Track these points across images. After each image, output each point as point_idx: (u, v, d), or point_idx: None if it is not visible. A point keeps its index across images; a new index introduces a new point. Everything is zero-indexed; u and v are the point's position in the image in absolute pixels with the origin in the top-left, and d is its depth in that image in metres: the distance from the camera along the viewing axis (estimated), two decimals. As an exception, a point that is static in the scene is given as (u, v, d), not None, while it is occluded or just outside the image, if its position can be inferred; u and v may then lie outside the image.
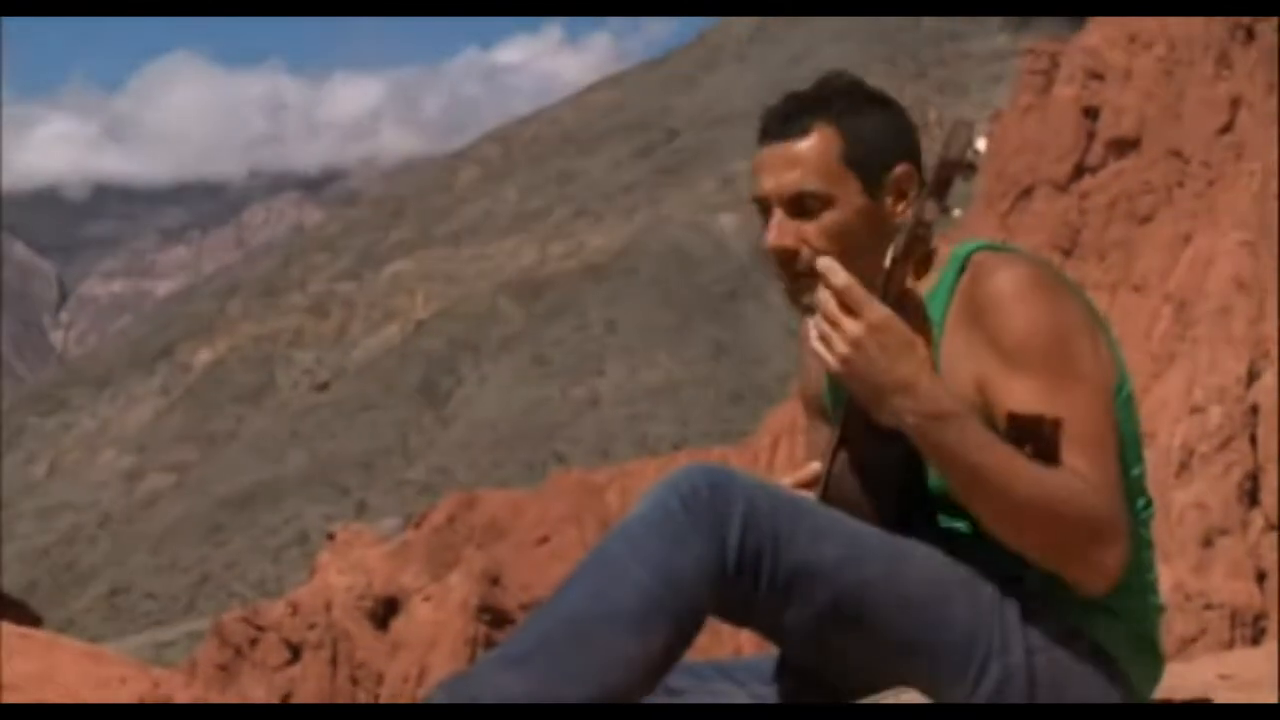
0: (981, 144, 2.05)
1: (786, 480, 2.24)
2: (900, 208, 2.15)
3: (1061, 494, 1.99)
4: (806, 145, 2.14)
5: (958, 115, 2.17)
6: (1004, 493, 2.00)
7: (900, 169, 2.15)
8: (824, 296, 2.02)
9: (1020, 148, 34.60)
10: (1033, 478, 2.00)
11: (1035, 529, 2.01)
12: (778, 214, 2.15)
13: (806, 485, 2.22)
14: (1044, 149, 34.44)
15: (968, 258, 2.15)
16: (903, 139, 2.16)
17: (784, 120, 2.16)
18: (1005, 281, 2.07)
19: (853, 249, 2.13)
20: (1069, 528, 2.00)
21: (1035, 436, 2.04)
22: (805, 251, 2.14)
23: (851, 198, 2.14)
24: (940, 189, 2.03)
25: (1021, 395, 2.04)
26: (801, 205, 2.14)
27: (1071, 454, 2.02)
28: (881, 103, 2.18)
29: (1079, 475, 2.01)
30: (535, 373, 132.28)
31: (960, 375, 2.10)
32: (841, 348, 2.00)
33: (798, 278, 2.15)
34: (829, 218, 2.14)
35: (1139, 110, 33.37)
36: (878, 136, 2.15)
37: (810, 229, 2.14)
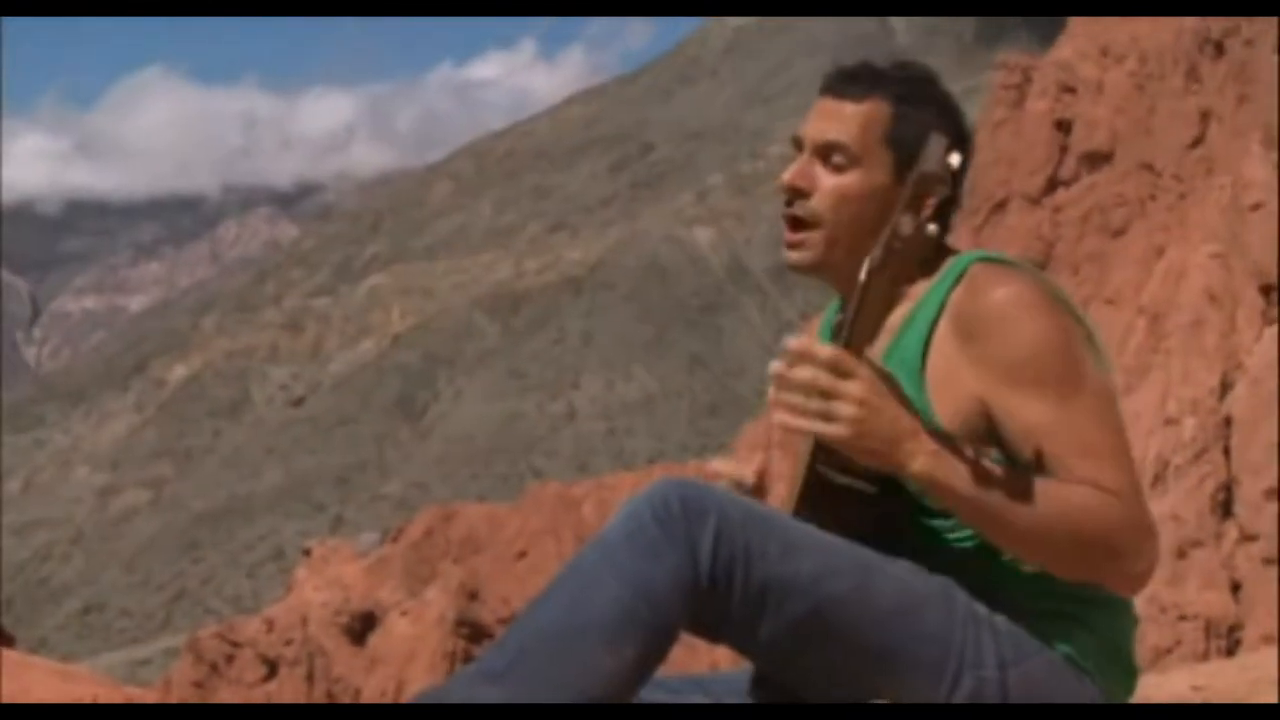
0: (955, 158, 2.04)
1: (712, 466, 2.27)
2: (911, 212, 2.15)
3: (1082, 511, 2.00)
4: (858, 108, 2.17)
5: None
6: (1022, 518, 2.00)
7: (928, 173, 2.15)
8: (811, 374, 1.97)
9: (993, 161, 34.75)
10: (1050, 497, 2.00)
11: (1063, 546, 2.01)
12: (804, 157, 2.19)
13: (737, 485, 2.25)
14: (1017, 162, 34.61)
15: (964, 269, 2.16)
16: (930, 136, 2.18)
17: (848, 80, 2.20)
18: (1003, 297, 2.07)
19: (855, 219, 2.16)
20: (1096, 542, 2.00)
21: (1052, 451, 2.04)
22: (814, 200, 2.17)
23: (878, 172, 2.17)
24: (916, 203, 2.02)
25: (1035, 413, 2.04)
26: (829, 156, 2.17)
27: (1089, 466, 2.03)
28: (942, 106, 2.21)
29: (1099, 488, 2.01)
30: (512, 386, 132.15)
31: (958, 389, 2.11)
32: (850, 410, 1.97)
33: (794, 221, 2.19)
34: (849, 179, 2.17)
35: (1111, 124, 33.58)
36: (921, 132, 2.15)
37: (828, 181, 2.17)
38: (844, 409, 1.96)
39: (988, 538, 2.05)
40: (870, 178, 2.17)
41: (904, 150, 2.16)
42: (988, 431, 2.09)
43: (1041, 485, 2.01)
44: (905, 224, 2.01)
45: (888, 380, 2.03)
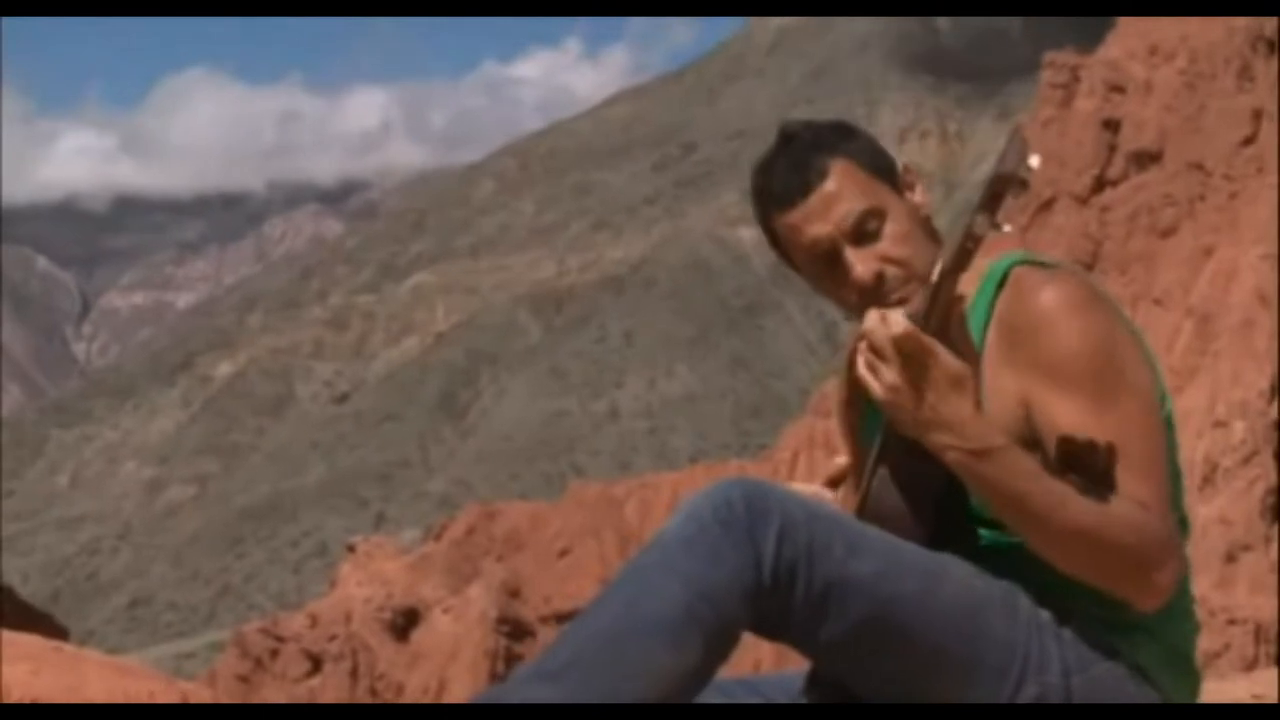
0: (1035, 160, 2.02)
1: (798, 486, 2.24)
2: (920, 200, 2.21)
3: (1113, 521, 2.00)
4: (834, 182, 2.17)
5: (1010, 129, 2.18)
6: (1052, 522, 2.00)
7: (900, 165, 2.21)
8: (874, 325, 2.04)
9: (1040, 161, 34.48)
10: (1082, 507, 2.00)
11: (1087, 556, 2.01)
12: (848, 250, 2.16)
13: (834, 483, 2.25)
14: (1065, 162, 34.32)
15: (1006, 272, 2.16)
16: (877, 145, 2.24)
17: (794, 176, 2.18)
18: (1050, 299, 2.08)
19: (917, 249, 2.17)
20: (1122, 553, 2.01)
21: (1087, 457, 2.03)
22: (889, 270, 2.16)
23: (893, 203, 2.19)
24: (993, 203, 2.01)
25: (1072, 415, 2.05)
26: (863, 230, 2.16)
27: (1124, 475, 2.03)
28: (845, 127, 2.24)
29: (1132, 498, 2.02)
30: (554, 385, 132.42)
31: (1003, 394, 2.11)
32: (890, 378, 2.02)
33: (886, 297, 2.16)
34: (891, 229, 2.17)
35: (1160, 123, 33.26)
36: (870, 147, 2.20)
37: (882, 247, 2.16)
38: (886, 375, 2.03)
39: (1018, 534, 2.05)
40: (898, 214, 2.18)
41: (884, 172, 2.19)
42: (1031, 437, 2.08)
43: (1075, 494, 2.01)
44: (980, 224, 2.01)
45: (958, 369, 2.03)
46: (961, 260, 2.03)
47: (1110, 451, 2.03)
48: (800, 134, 2.21)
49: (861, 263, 2.15)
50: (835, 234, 2.16)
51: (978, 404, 2.04)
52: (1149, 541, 2.01)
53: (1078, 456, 2.03)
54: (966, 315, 2.14)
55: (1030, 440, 2.09)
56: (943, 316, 2.05)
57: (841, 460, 2.30)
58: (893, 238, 2.16)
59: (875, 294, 2.14)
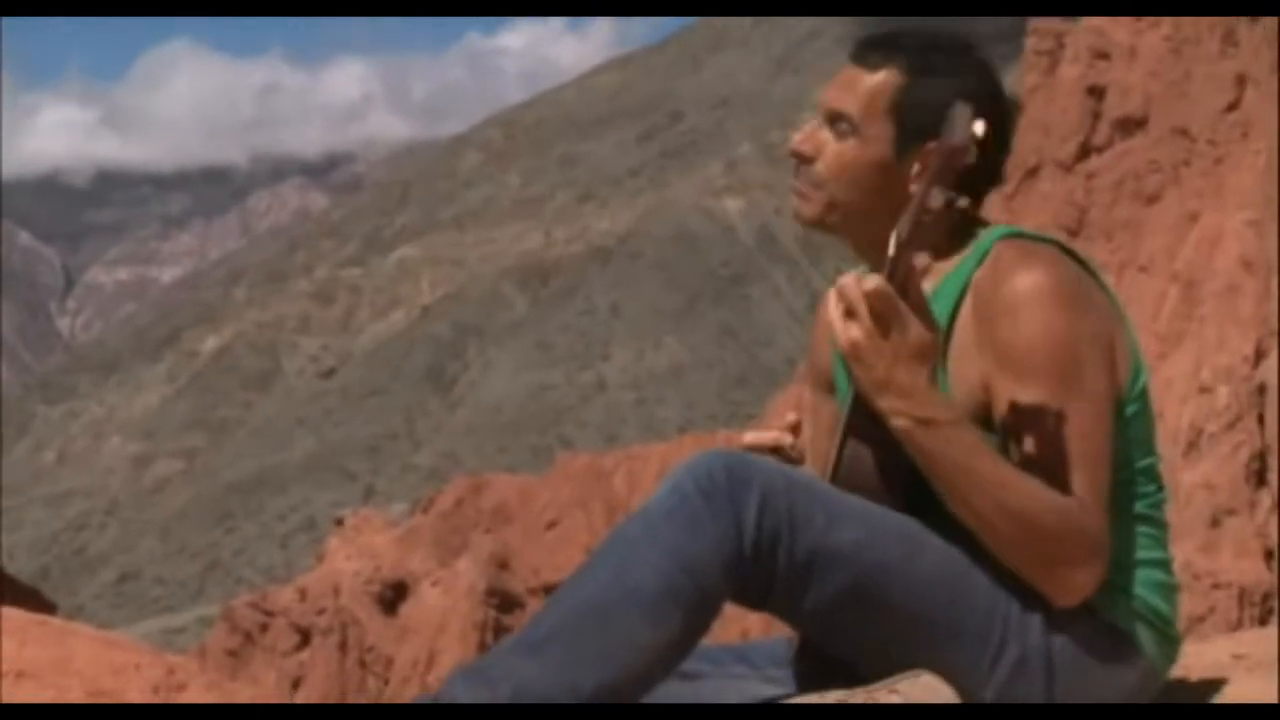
0: (980, 126, 2.00)
1: (747, 438, 2.25)
2: (914, 190, 2.15)
3: (1048, 512, 2.01)
4: (871, 78, 2.18)
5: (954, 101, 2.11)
6: (988, 501, 2.01)
7: (933, 145, 2.15)
8: (850, 282, 2.04)
9: (1025, 128, 34.43)
10: (1020, 492, 2.01)
11: (1016, 541, 2.03)
12: (815, 121, 2.22)
13: (773, 450, 2.23)
14: (1049, 129, 34.28)
15: (989, 248, 2.15)
16: (958, 116, 2.17)
17: (869, 48, 2.21)
18: (1024, 284, 2.07)
19: (854, 187, 2.17)
20: (1050, 543, 2.02)
21: (1031, 447, 2.05)
22: (819, 164, 2.20)
23: (878, 143, 2.17)
24: (944, 175, 2.01)
25: (1024, 404, 2.06)
26: (834, 124, 2.19)
27: (1065, 470, 2.04)
28: (969, 77, 2.17)
29: (1070, 493, 2.03)
30: (541, 357, 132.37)
31: (967, 370, 2.12)
32: (855, 333, 2.03)
33: (800, 185, 2.22)
34: (849, 146, 2.18)
35: (1145, 89, 33.24)
36: (934, 106, 2.13)
37: (832, 148, 2.19)
38: (853, 329, 2.03)
39: (954, 512, 2.06)
40: (868, 149, 2.17)
41: (910, 122, 2.16)
42: (989, 417, 2.10)
43: (1017, 476, 2.03)
44: (935, 196, 2.01)
45: (923, 339, 2.04)
46: (916, 233, 2.02)
47: (1053, 438, 2.04)
48: (926, 35, 2.20)
49: (806, 135, 2.21)
50: (823, 103, 2.21)
51: (933, 377, 2.04)
52: (1079, 538, 2.02)
53: (1022, 438, 2.04)
54: (940, 285, 2.14)
55: (987, 420, 2.09)
56: (899, 289, 2.03)
57: (791, 417, 2.29)
58: (840, 151, 2.18)
59: (795, 166, 2.20)
